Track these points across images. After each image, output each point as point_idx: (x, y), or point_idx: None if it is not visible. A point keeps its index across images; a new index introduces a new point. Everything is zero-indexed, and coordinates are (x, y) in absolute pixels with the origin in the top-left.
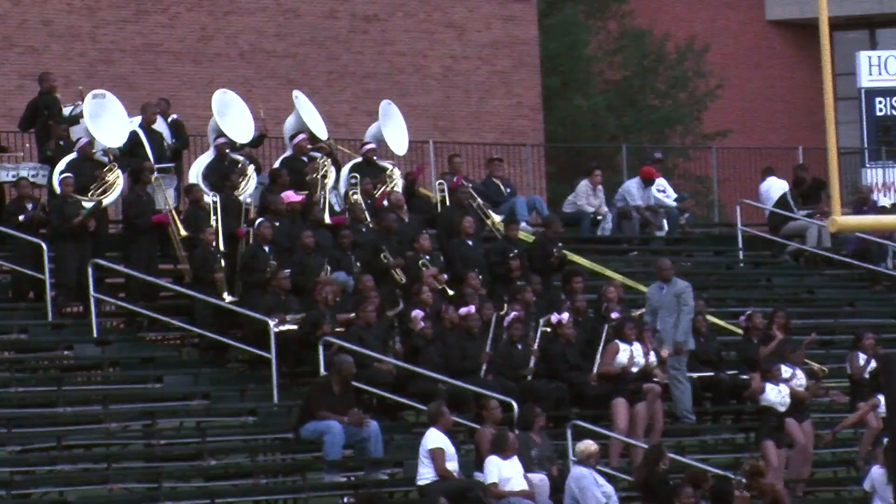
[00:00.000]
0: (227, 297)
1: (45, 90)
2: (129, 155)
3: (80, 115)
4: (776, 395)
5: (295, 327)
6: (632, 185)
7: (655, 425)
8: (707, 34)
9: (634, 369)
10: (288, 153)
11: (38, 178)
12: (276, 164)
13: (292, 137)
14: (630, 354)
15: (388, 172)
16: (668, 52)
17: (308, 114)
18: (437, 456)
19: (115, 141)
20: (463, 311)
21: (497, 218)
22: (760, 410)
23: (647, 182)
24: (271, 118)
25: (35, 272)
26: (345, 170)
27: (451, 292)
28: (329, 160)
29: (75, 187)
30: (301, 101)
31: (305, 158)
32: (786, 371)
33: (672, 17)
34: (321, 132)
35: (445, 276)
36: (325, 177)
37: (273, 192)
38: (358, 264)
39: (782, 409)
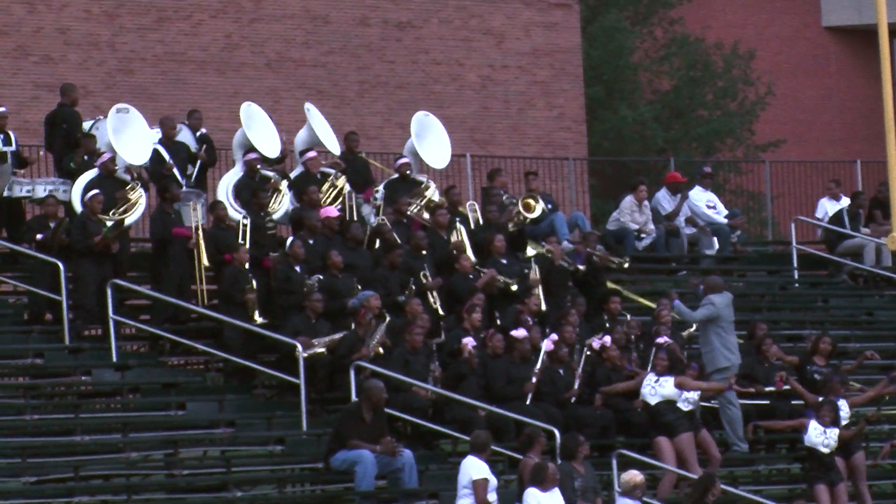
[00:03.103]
0: (259, 319)
1: (65, 102)
2: (153, 172)
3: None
4: (818, 436)
5: (323, 350)
6: (660, 196)
7: (711, 452)
8: (759, 41)
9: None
10: (299, 170)
11: (59, 195)
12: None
13: (302, 153)
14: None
15: (423, 185)
16: (714, 59)
17: (321, 127)
18: (479, 487)
19: (137, 158)
20: (516, 333)
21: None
22: (807, 449)
23: (673, 189)
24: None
25: (52, 293)
26: (379, 188)
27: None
28: (343, 177)
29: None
30: (313, 113)
31: (318, 175)
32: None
33: (723, 23)
34: (334, 147)
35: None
36: (339, 194)
37: (304, 208)
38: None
39: (826, 450)
